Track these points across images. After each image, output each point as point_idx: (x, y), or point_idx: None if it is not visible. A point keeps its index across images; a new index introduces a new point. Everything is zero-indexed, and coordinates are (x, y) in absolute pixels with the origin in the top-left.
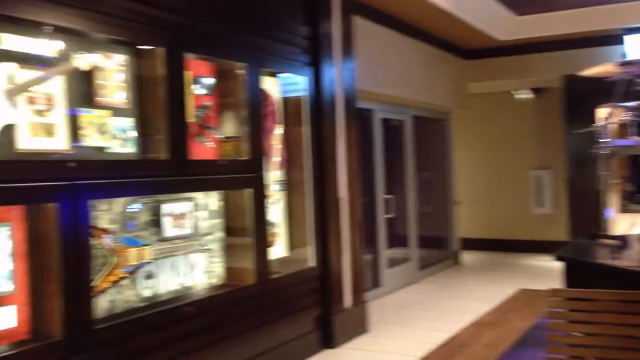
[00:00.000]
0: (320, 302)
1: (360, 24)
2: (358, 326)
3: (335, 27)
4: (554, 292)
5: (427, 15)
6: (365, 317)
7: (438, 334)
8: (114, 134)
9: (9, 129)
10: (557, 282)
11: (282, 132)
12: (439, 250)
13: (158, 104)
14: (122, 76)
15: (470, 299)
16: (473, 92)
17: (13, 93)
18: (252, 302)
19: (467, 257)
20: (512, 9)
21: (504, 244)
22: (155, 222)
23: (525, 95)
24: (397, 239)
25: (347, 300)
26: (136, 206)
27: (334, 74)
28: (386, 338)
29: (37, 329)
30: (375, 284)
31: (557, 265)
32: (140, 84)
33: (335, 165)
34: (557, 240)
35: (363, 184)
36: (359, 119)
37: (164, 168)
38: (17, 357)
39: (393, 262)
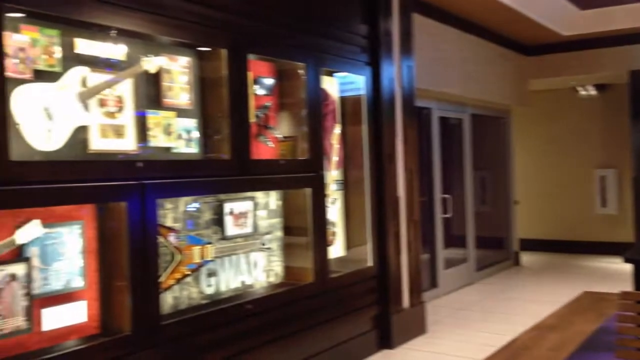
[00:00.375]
0: (378, 302)
1: (419, 21)
2: (416, 327)
3: (395, 26)
4: (623, 295)
5: (488, 11)
6: (423, 317)
7: (498, 336)
8: (179, 135)
9: (81, 130)
10: (624, 285)
11: (340, 131)
12: (497, 251)
13: (220, 104)
14: (186, 78)
15: (530, 301)
16: (534, 89)
17: (85, 96)
18: (310, 301)
19: (527, 258)
20: (576, 3)
21: (565, 245)
22: (217, 221)
23: (589, 92)
24: (454, 239)
25: (405, 300)
26: (194, 205)
27: (393, 73)
28: (444, 339)
29: (106, 324)
30: (432, 284)
31: (623, 268)
32: (203, 85)
33: (393, 165)
34: (622, 241)
35: (420, 183)
36: (417, 117)
37: (226, 168)
38: (87, 351)
39: (450, 263)
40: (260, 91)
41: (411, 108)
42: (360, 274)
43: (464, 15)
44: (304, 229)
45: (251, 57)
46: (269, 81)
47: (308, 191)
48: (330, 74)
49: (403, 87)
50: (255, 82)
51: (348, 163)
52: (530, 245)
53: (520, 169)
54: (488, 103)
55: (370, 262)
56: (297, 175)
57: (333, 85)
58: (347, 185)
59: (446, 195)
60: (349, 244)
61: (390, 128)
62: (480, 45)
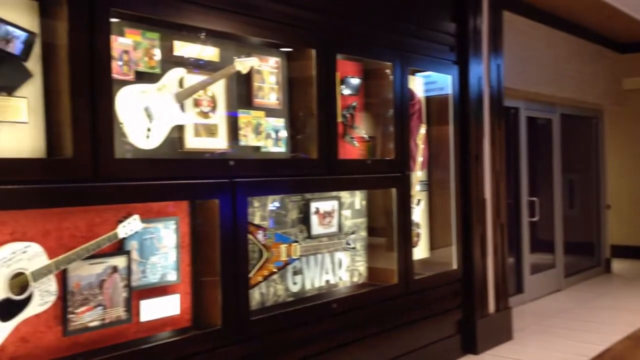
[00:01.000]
0: (463, 305)
1: (509, 18)
2: (501, 333)
3: (484, 23)
4: None
5: (581, 7)
6: (509, 323)
7: (588, 345)
8: (268, 134)
9: (177, 129)
10: None
11: (425, 131)
12: (587, 257)
13: (308, 104)
14: (275, 78)
15: (623, 309)
16: (628, 88)
17: (182, 96)
18: (394, 302)
19: (618, 265)
20: None
21: None
22: (303, 220)
23: None
24: (541, 244)
25: (491, 305)
26: (275, 204)
27: (481, 72)
28: (531, 347)
29: (197, 318)
30: (518, 290)
31: None
32: (291, 85)
33: (479, 166)
34: None
35: (507, 185)
36: (505, 117)
37: (313, 167)
38: (180, 343)
39: (537, 268)
40: (347, 91)
41: (499, 108)
42: (444, 277)
43: (555, 12)
44: (388, 229)
45: (338, 57)
46: (356, 81)
47: (393, 191)
48: (414, 72)
49: (491, 86)
50: (342, 82)
51: (433, 163)
52: (622, 252)
53: (613, 172)
54: (579, 103)
55: (455, 265)
56: (383, 176)
57: (418, 84)
58: (432, 186)
59: (533, 198)
60: (432, 245)
61: (477, 128)
62: (571, 42)
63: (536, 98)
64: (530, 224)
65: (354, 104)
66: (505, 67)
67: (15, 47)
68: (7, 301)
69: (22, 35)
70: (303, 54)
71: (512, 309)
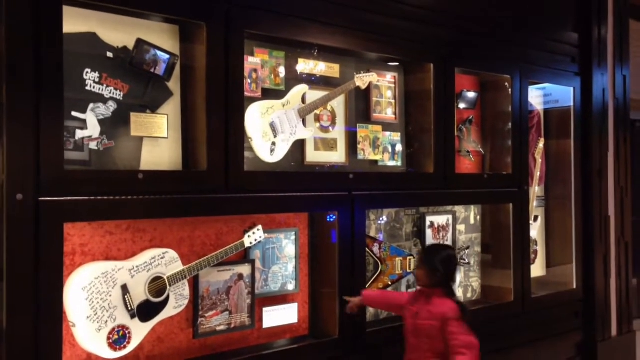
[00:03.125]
0: (583, 327)
1: (636, 27)
2: (624, 357)
3: (609, 32)
4: None
5: None
6: (633, 347)
7: None
8: (385, 148)
9: (298, 143)
10: None
11: (543, 145)
12: None
13: (425, 118)
14: (392, 92)
15: None
16: None
17: (304, 112)
18: (510, 321)
19: None
20: None
21: None
22: (417, 234)
23: None
24: None
25: (613, 327)
26: (384, 218)
27: (605, 83)
28: None
29: (315, 327)
30: None
31: None
32: (407, 100)
33: (603, 181)
34: None
35: (633, 202)
36: (631, 130)
37: (430, 181)
38: (299, 351)
39: None
40: (463, 105)
41: (625, 121)
42: (564, 296)
43: None
44: (504, 245)
45: (456, 71)
46: (472, 94)
47: (510, 207)
48: (532, 85)
49: (616, 98)
50: (458, 95)
51: (551, 179)
52: None
53: None
54: None
55: (575, 284)
56: (500, 190)
57: (535, 97)
58: (549, 201)
59: None
60: (549, 263)
61: (601, 142)
62: None
63: None
64: None
65: (471, 117)
66: (632, 78)
67: (160, 69)
68: (147, 303)
69: (166, 57)
70: (420, 68)
71: (637, 333)
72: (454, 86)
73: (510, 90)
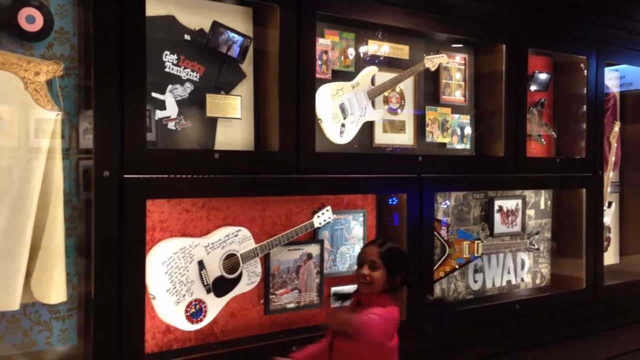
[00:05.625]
0: None
1: None
2: None
3: None
4: None
5: None
6: None
7: None
8: (454, 131)
9: (367, 125)
10: None
11: (618, 129)
12: None
13: (495, 101)
14: (461, 74)
15: None
16: None
17: (374, 94)
18: (580, 309)
19: None
20: None
21: None
22: (485, 218)
23: None
24: None
25: None
26: (447, 202)
27: None
28: None
29: None
30: None
31: None
32: (477, 82)
33: None
34: None
35: None
36: None
37: (499, 164)
38: None
39: None
40: (534, 87)
41: None
42: (638, 286)
43: None
44: (576, 232)
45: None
46: (545, 76)
47: (583, 192)
48: (607, 66)
49: None
50: (531, 77)
51: (627, 164)
52: None
53: None
54: None
55: None
56: (573, 175)
57: (611, 79)
58: (624, 188)
59: None
60: (622, 251)
61: None
62: None
63: None
64: None
65: (543, 100)
66: None
67: (234, 51)
68: (221, 279)
69: (240, 39)
70: (492, 49)
71: None
72: (526, 67)
73: (585, 71)
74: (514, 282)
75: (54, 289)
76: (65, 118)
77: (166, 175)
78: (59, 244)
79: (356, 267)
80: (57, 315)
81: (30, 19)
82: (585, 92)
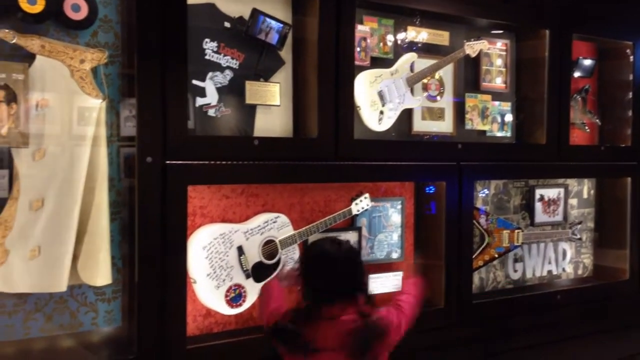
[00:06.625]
0: None
1: None
2: None
3: None
4: None
5: None
6: None
7: None
8: (494, 118)
9: (405, 112)
10: None
11: None
12: None
13: (537, 87)
14: (502, 60)
15: None
16: None
17: (412, 81)
18: (624, 301)
19: None
20: None
21: None
22: (526, 207)
23: None
24: None
25: None
26: (485, 190)
27: None
28: None
29: None
30: None
31: None
32: (519, 68)
33: None
34: None
35: None
36: None
37: (541, 152)
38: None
39: None
40: (578, 73)
41: None
42: None
43: None
44: (620, 221)
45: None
46: (589, 62)
47: (628, 181)
48: None
49: None
50: (574, 63)
51: None
52: None
53: None
54: None
55: None
56: (617, 164)
57: None
58: None
59: None
60: None
61: None
62: None
63: None
64: None
65: (587, 86)
66: None
67: (273, 38)
68: (260, 264)
69: (278, 26)
70: (534, 34)
71: None
72: (570, 53)
73: (631, 57)
74: (555, 272)
75: (100, 271)
76: (109, 105)
77: (207, 162)
78: (104, 228)
79: None
80: (103, 297)
81: (75, 8)
82: (631, 78)
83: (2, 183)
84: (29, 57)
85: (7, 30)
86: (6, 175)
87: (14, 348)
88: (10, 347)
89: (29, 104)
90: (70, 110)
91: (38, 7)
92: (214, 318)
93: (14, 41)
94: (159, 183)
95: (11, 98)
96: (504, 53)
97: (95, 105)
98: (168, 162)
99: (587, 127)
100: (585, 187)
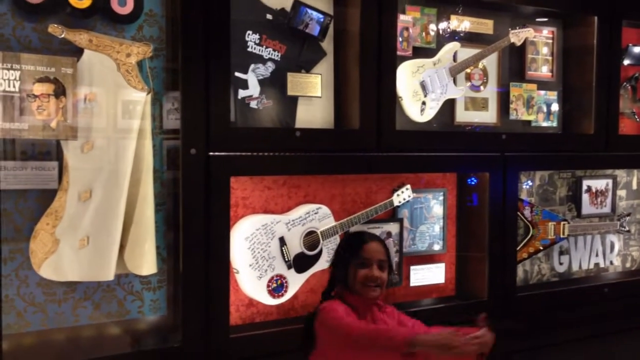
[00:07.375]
0: None
1: None
2: None
3: None
4: None
5: None
6: None
7: None
8: (539, 108)
9: (448, 103)
10: None
11: None
12: None
13: (585, 76)
14: (548, 49)
15: None
16: None
17: (455, 70)
18: None
19: None
20: None
21: None
22: (572, 198)
23: None
24: None
25: None
26: (528, 182)
27: None
28: None
29: (461, 288)
30: None
31: None
32: (565, 56)
33: None
34: None
35: None
36: None
37: (588, 143)
38: (445, 310)
39: None
40: (628, 61)
41: None
42: None
43: None
44: None
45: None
46: (639, 49)
47: None
48: None
49: None
50: (624, 50)
51: None
52: None
53: None
54: None
55: None
56: None
57: None
58: None
59: None
60: None
61: None
62: None
63: None
64: None
65: (637, 74)
66: None
67: (314, 29)
68: (302, 255)
69: (320, 17)
70: (582, 21)
71: None
72: (620, 41)
73: None
74: (602, 265)
75: (145, 261)
76: (153, 98)
77: (249, 153)
78: (149, 218)
79: (355, 267)
80: (148, 286)
81: (121, 2)
82: None
83: (52, 174)
84: (77, 52)
85: (56, 25)
86: (56, 167)
87: (64, 335)
88: (61, 334)
89: (77, 97)
90: (117, 103)
91: (86, 2)
92: (257, 308)
93: (62, 36)
94: (202, 174)
95: (60, 92)
96: (550, 41)
97: (140, 98)
98: (211, 153)
99: (637, 117)
100: (635, 178)
